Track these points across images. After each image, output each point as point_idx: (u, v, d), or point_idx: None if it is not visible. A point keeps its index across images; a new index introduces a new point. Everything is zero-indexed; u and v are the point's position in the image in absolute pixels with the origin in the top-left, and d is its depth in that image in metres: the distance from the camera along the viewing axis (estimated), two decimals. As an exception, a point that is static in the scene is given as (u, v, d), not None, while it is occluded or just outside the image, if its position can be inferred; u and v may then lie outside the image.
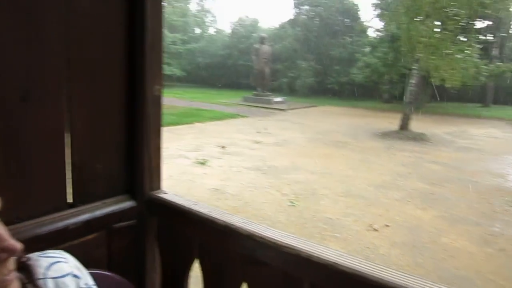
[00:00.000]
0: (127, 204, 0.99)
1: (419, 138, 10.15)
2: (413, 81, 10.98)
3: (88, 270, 0.73)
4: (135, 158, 1.01)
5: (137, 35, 0.94)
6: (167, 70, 25.72)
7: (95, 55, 0.91)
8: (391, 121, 12.74)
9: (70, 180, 0.91)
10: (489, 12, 17.43)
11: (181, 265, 1.02)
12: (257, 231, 0.81)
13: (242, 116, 13.60)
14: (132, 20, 0.94)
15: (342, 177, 6.38)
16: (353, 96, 21.96)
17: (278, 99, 17.91)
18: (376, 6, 19.68)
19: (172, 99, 18.78)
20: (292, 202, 5.09)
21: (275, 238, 0.79)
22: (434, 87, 13.45)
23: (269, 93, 18.67)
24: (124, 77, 0.97)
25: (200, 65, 29.47)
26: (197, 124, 11.53)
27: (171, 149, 7.97)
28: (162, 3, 0.96)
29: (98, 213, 0.93)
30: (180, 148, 8.07)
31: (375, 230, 4.29)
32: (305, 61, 23.05)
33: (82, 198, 0.94)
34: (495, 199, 5.55)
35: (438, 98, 20.03)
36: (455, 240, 4.08)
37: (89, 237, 0.92)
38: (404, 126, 10.88)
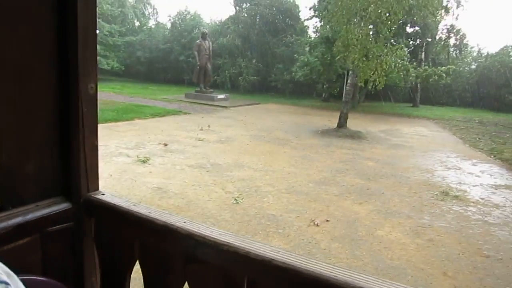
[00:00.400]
0: (63, 206, 0.95)
1: (356, 136, 10.66)
2: (349, 81, 11.49)
3: (20, 276, 0.68)
4: (70, 158, 0.97)
5: (69, 32, 0.90)
6: (104, 63, 24.67)
7: (22, 53, 0.86)
8: (330, 119, 13.25)
9: None
10: (416, 18, 18.78)
11: (121, 267, 1.00)
12: (196, 231, 0.82)
13: (185, 113, 13.40)
14: (64, 16, 0.90)
15: (285, 174, 6.53)
16: (294, 94, 22.48)
17: (221, 96, 17.86)
18: (314, 7, 20.29)
19: (110, 94, 18.05)
20: (236, 200, 5.12)
21: (214, 237, 0.80)
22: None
23: (211, 90, 18.55)
24: (55, 75, 0.92)
25: (140, 59, 28.51)
26: (137, 121, 11.17)
27: (110, 146, 7.67)
28: (95, 9, 0.93)
29: (31, 216, 0.88)
30: (120, 146, 7.79)
31: (316, 225, 4.45)
32: (247, 59, 23.21)
33: (13, 201, 0.89)
34: (424, 193, 5.99)
35: (371, 99, 21.23)
36: (389, 232, 4.36)
37: (21, 241, 0.87)
38: (341, 124, 11.36)
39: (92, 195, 1.00)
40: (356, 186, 6.14)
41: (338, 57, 11.64)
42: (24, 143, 0.90)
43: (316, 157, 7.99)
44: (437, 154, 9.13)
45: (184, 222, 0.85)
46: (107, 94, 17.87)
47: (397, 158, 8.43)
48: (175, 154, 7.44)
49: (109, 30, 24.81)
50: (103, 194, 1.01)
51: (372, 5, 9.60)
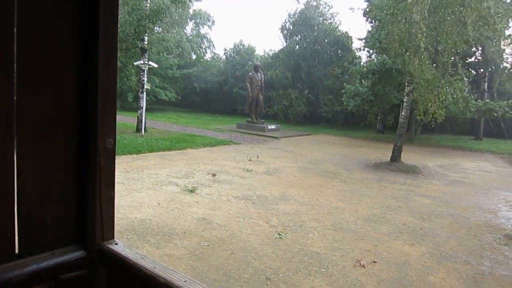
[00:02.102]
0: (77, 254, 0.96)
1: (411, 170, 10.17)
2: (403, 113, 11.10)
3: None
4: (87, 208, 1.00)
5: (90, 91, 0.94)
6: (162, 94, 25.94)
7: (44, 109, 0.91)
8: (383, 152, 12.81)
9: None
10: (477, 48, 17.97)
11: None
12: None
13: (235, 143, 13.61)
14: (85, 77, 0.94)
15: (332, 209, 6.32)
16: (346, 125, 22.13)
17: (272, 126, 18.00)
18: (366, 39, 20.18)
19: (166, 124, 18.85)
20: (280, 234, 5.01)
21: None
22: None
23: (262, 120, 18.80)
24: (75, 130, 0.97)
25: (195, 90, 29.72)
26: (189, 150, 11.49)
27: (161, 175, 7.92)
28: (115, 56, 0.96)
29: (45, 264, 0.90)
30: (170, 175, 8.01)
31: (362, 266, 4.22)
32: (298, 90, 23.34)
33: (30, 249, 0.91)
34: (485, 236, 5.51)
35: (429, 130, 20.30)
36: (443, 279, 4.01)
37: None
38: (395, 157, 10.92)
39: (106, 244, 1.01)
40: (408, 225, 5.79)
41: (391, 88, 11.32)
42: (43, 193, 0.94)
43: (367, 192, 7.69)
44: (501, 193, 8.44)
45: (185, 282, 0.82)
46: (163, 124, 18.69)
47: (455, 196, 7.89)
48: (222, 185, 7.50)
49: (170, 62, 26.18)
50: (116, 244, 1.01)
51: (421, 36, 9.31)
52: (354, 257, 4.44)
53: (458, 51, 10.17)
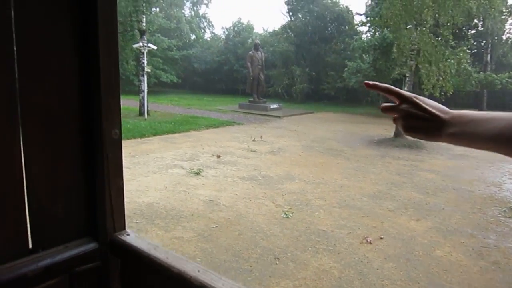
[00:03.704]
0: (90, 246, 0.98)
1: (414, 145, 10.16)
2: (405, 88, 11.02)
3: None
4: (97, 199, 1.01)
5: (93, 79, 0.94)
6: (163, 76, 25.78)
7: (48, 99, 0.91)
8: (386, 128, 12.79)
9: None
10: (478, 21, 17.67)
11: None
12: (208, 282, 0.80)
13: (238, 124, 13.60)
14: (86, 64, 0.94)
15: (337, 187, 6.37)
16: (348, 102, 22.02)
17: (274, 105, 17.93)
18: (366, 13, 19.84)
19: (168, 106, 18.81)
20: (286, 214, 5.07)
21: None
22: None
23: (264, 100, 18.71)
24: (80, 121, 0.96)
25: (196, 71, 29.51)
26: (193, 132, 11.51)
27: (167, 158, 7.96)
28: (116, 42, 0.95)
29: (60, 257, 0.92)
30: (175, 158, 8.06)
31: (369, 242, 4.28)
32: (299, 67, 23.11)
33: (43, 243, 0.93)
34: (489, 209, 5.56)
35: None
36: (449, 253, 4.07)
37: (50, 282, 0.91)
38: (399, 133, 10.89)
39: (118, 236, 1.02)
40: (413, 200, 5.84)
41: (393, 63, 11.19)
42: (52, 187, 0.95)
43: (371, 169, 7.72)
44: (505, 165, 8.44)
45: (198, 271, 0.84)
46: (165, 106, 18.65)
47: (459, 170, 7.92)
48: (227, 166, 7.55)
49: (167, 44, 25.90)
50: (128, 235, 1.03)
51: (426, 9, 9.16)
52: (360, 234, 4.50)
53: (459, 23, 9.99)
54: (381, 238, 4.42)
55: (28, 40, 0.84)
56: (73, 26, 0.91)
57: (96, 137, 0.97)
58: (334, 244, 4.24)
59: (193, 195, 5.77)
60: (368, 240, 4.32)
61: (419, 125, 0.71)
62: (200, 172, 6.98)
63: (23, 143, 0.87)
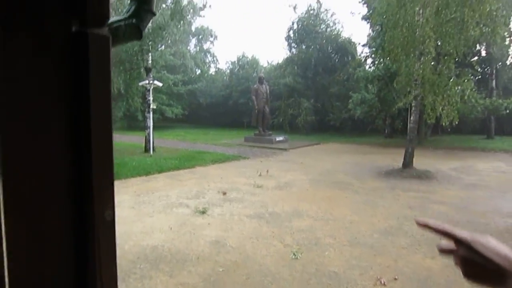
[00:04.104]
0: None
1: (424, 176, 9.98)
2: (412, 117, 10.95)
3: None
4: (87, 285, 0.90)
5: (84, 157, 0.84)
6: (168, 111, 26.07)
7: (36, 183, 0.81)
8: (394, 158, 12.63)
9: None
10: (481, 47, 17.80)
11: None
12: None
13: (244, 158, 13.53)
14: (78, 156, 0.84)
15: (347, 223, 6.18)
16: (354, 132, 21.97)
17: (280, 138, 17.91)
18: (367, 44, 20.15)
19: (174, 141, 18.87)
20: (295, 254, 4.89)
21: None
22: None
23: (270, 132, 18.74)
24: (70, 204, 0.86)
25: (202, 105, 29.88)
26: (198, 168, 11.43)
27: (172, 197, 7.85)
28: (111, 128, 0.86)
29: None
30: (180, 196, 7.94)
31: (383, 284, 4.07)
32: (305, 99, 23.26)
33: None
34: (507, 244, 5.29)
35: (439, 132, 20.01)
36: (469, 294, 3.85)
37: None
38: (407, 163, 10.74)
39: None
40: (426, 236, 5.61)
41: (398, 93, 11.18)
42: (39, 277, 0.85)
43: (381, 202, 7.53)
44: (519, 194, 8.22)
45: None
46: (171, 142, 18.71)
47: (472, 201, 7.69)
48: (233, 203, 7.41)
49: (173, 80, 26.35)
50: None
51: (428, 40, 9.23)
52: (373, 275, 4.29)
53: (462, 51, 10.03)
54: (395, 278, 4.21)
55: (12, 116, 0.77)
56: (64, 107, 0.82)
57: (87, 220, 0.87)
58: (346, 286, 4.03)
59: (198, 236, 5.62)
60: (382, 282, 4.12)
61: (479, 273, 0.61)
62: (206, 210, 6.84)
63: (5, 238, 0.78)
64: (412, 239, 5.50)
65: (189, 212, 6.82)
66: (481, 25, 10.09)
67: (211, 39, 36.16)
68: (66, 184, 0.83)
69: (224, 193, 8.12)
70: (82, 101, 0.79)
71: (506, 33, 13.66)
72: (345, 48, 23.83)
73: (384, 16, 10.89)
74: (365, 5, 19.33)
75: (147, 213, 6.73)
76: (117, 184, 8.94)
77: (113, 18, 0.87)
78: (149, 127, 14.47)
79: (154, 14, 1.05)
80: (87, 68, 0.77)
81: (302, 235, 5.64)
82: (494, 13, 9.55)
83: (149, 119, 14.53)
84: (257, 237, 5.57)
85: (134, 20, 1.00)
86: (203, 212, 6.74)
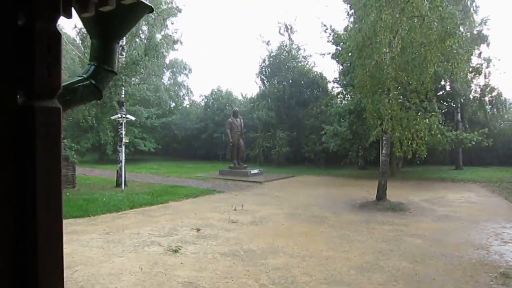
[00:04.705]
0: None
1: (398, 208, 10.08)
2: (384, 151, 11.17)
3: None
4: None
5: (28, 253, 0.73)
6: (141, 144, 25.70)
7: None
8: (368, 190, 12.75)
9: None
10: (446, 82, 18.65)
11: None
12: None
13: (218, 192, 13.34)
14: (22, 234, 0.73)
15: (323, 260, 6.09)
16: (328, 164, 22.19)
17: (255, 170, 17.86)
18: (337, 81, 20.81)
19: (147, 175, 18.49)
20: (271, 295, 4.74)
21: None
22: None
23: (245, 165, 18.69)
24: None
25: (176, 138, 29.64)
26: (171, 203, 11.16)
27: (143, 235, 7.57)
28: (61, 202, 0.77)
29: None
30: (152, 233, 7.67)
31: (362, 325, 3.97)
32: (279, 131, 23.48)
33: None
34: (481, 276, 5.35)
35: (411, 163, 20.48)
36: (447, 333, 3.80)
37: None
38: (381, 196, 10.85)
39: None
40: (402, 270, 5.59)
41: (368, 127, 11.44)
42: None
43: (356, 237, 7.50)
44: (490, 225, 8.39)
45: None
46: (144, 176, 18.31)
47: (445, 233, 7.78)
48: (207, 240, 7.20)
49: (147, 114, 26.16)
50: None
51: (388, 80, 9.65)
52: (351, 315, 4.19)
53: (428, 88, 10.46)
54: (373, 318, 4.12)
55: None
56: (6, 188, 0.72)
57: None
58: (324, 329, 3.91)
59: (170, 276, 5.38)
60: (360, 322, 4.01)
61: None
62: (179, 249, 6.61)
63: None
64: (388, 274, 5.45)
65: (161, 251, 6.57)
66: (444, 62, 10.60)
67: (185, 71, 36.39)
68: (9, 267, 0.72)
69: (198, 230, 7.91)
70: (28, 178, 0.70)
71: (467, 70, 14.34)
72: (317, 82, 24.45)
73: (350, 54, 11.29)
74: (333, 45, 19.97)
75: (117, 252, 6.43)
76: (86, 222, 8.58)
77: (71, 79, 0.81)
78: (121, 161, 14.14)
79: (115, 74, 1.01)
80: (33, 142, 0.69)
81: (278, 273, 5.50)
82: (454, 51, 10.05)
83: (121, 153, 14.23)
84: (231, 276, 5.39)
85: (93, 81, 0.95)
86: (176, 251, 6.51)
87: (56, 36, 0.66)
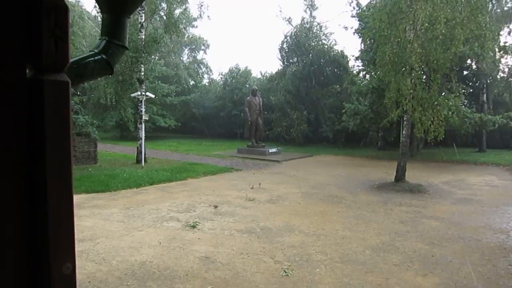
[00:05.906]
0: None
1: (416, 190, 9.96)
2: (404, 131, 10.97)
3: None
4: None
5: (39, 221, 0.75)
6: (162, 121, 25.98)
7: None
8: (387, 171, 12.63)
9: None
10: (472, 62, 18.01)
11: None
12: None
13: (236, 170, 13.45)
14: (31, 201, 0.74)
15: (338, 239, 6.12)
16: (348, 144, 22.00)
17: (273, 149, 17.87)
18: (361, 57, 20.30)
19: (166, 153, 18.75)
20: (286, 272, 4.80)
21: None
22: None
23: (263, 144, 18.70)
24: (23, 258, 0.75)
25: (195, 116, 29.80)
26: (190, 180, 11.33)
27: (162, 210, 7.74)
28: (71, 175, 0.78)
29: None
30: (171, 209, 7.84)
31: (375, 304, 4.00)
32: (298, 111, 23.30)
33: None
34: (499, 261, 5.28)
35: (432, 144, 20.11)
36: (461, 314, 3.79)
37: None
38: (400, 177, 10.73)
39: None
40: (418, 252, 5.57)
41: (391, 107, 11.19)
42: None
43: (373, 217, 7.48)
44: (511, 209, 8.21)
45: None
46: (163, 153, 18.59)
47: (464, 216, 7.67)
48: (224, 217, 7.32)
49: (166, 91, 26.33)
50: None
51: (414, 56, 9.31)
52: (365, 294, 4.22)
53: (449, 67, 10.10)
54: (387, 298, 4.14)
55: None
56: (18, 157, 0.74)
57: (43, 274, 0.76)
58: (337, 306, 3.96)
59: (188, 251, 5.51)
60: (374, 301, 4.05)
61: None
62: (197, 225, 6.74)
63: None
64: (404, 255, 5.44)
65: (179, 226, 6.72)
66: (471, 40, 10.21)
67: (203, 47, 36.21)
68: (19, 233, 0.75)
69: (216, 207, 8.03)
70: (38, 151, 0.72)
71: (496, 48, 13.78)
72: (338, 61, 23.97)
73: (374, 31, 10.97)
74: (357, 20, 19.52)
75: (136, 227, 6.61)
76: (107, 197, 8.81)
77: (81, 55, 0.82)
78: (141, 138, 14.35)
79: (126, 49, 1.00)
80: (42, 115, 0.71)
81: (293, 251, 5.56)
82: (484, 29, 9.64)
83: (141, 130, 14.42)
84: (247, 253, 5.49)
85: (103, 56, 0.95)
86: (194, 227, 6.65)
87: (64, 10, 0.66)
